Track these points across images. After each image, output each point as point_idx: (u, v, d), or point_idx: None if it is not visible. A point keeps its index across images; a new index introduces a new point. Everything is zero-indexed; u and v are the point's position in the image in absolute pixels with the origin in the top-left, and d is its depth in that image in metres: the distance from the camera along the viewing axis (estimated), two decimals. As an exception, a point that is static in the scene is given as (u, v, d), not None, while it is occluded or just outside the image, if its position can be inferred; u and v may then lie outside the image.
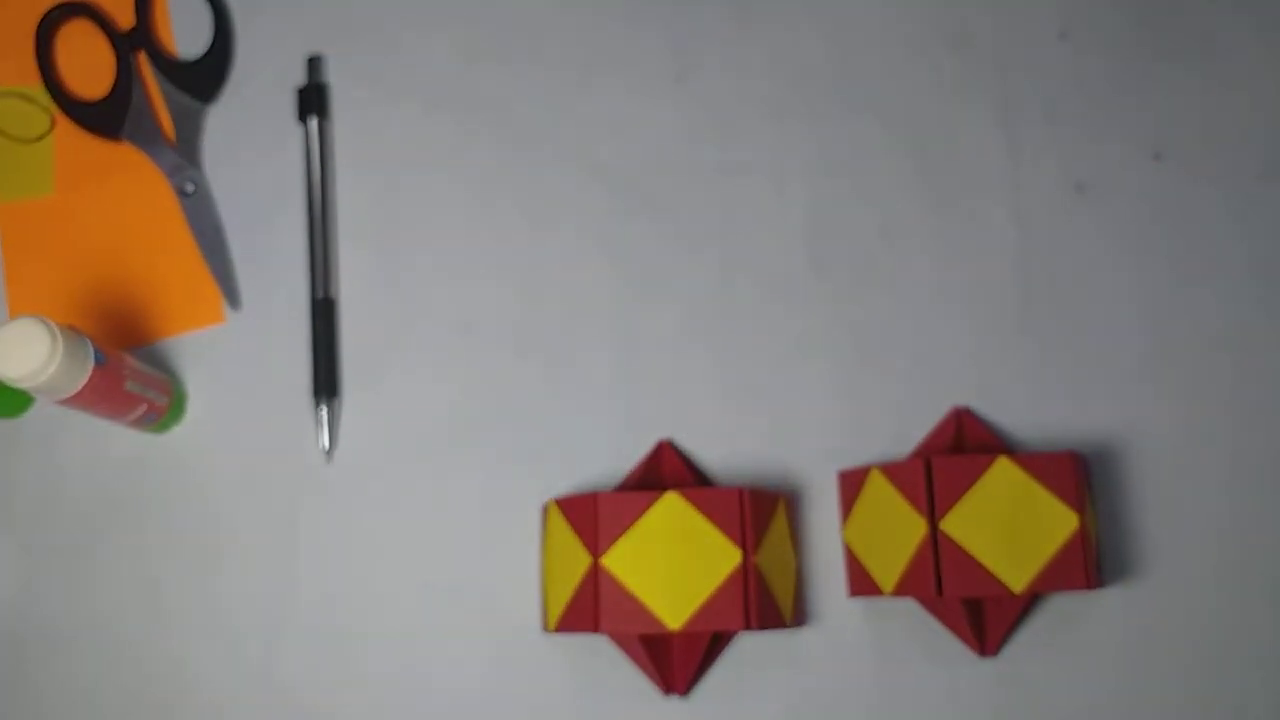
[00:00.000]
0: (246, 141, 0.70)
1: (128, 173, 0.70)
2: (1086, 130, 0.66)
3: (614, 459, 0.64)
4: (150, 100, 0.70)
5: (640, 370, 0.65)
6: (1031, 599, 0.60)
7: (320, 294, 0.66)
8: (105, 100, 0.70)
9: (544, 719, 0.61)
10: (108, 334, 0.68)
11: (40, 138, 0.71)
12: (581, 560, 0.57)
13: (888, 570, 0.57)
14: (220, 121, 0.70)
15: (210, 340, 0.67)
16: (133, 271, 0.69)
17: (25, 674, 0.64)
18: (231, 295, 0.67)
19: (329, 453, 0.65)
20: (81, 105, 0.70)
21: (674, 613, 0.55)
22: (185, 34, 0.72)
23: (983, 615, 0.59)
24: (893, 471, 0.58)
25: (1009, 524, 0.55)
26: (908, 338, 0.64)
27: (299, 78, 0.70)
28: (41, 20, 0.71)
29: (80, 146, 0.71)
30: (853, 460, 0.62)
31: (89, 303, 0.68)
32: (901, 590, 0.57)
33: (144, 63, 0.71)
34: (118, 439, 0.66)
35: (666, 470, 0.63)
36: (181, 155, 0.69)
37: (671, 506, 0.56)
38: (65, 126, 0.71)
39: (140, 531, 0.65)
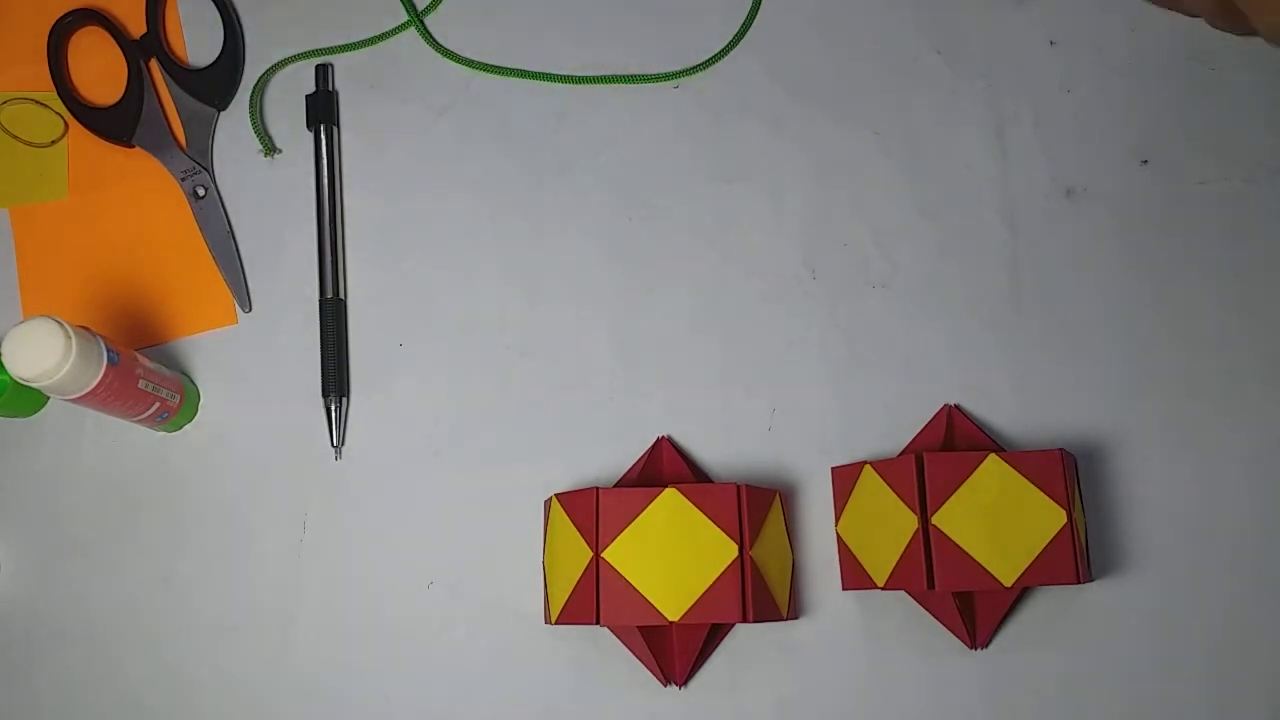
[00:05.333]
0: (256, 146, 0.70)
1: (140, 177, 0.70)
2: (1075, 136, 0.66)
3: (614, 456, 0.64)
4: (162, 106, 0.71)
5: (640, 370, 0.65)
6: (1021, 593, 0.60)
7: (330, 294, 0.67)
8: (117, 106, 0.71)
9: (546, 709, 0.61)
10: (121, 336, 0.68)
11: (54, 143, 0.71)
12: (583, 554, 0.57)
13: (880, 564, 0.58)
14: (231, 127, 0.71)
15: (222, 340, 0.68)
16: (145, 274, 0.69)
17: (41, 667, 0.64)
18: (241, 297, 0.68)
19: (338, 450, 0.65)
20: (94, 111, 0.71)
21: (673, 605, 0.55)
22: (196, 41, 0.72)
23: (973, 608, 0.59)
24: (885, 468, 0.58)
25: (999, 519, 0.55)
26: (900, 338, 0.64)
27: (308, 85, 0.70)
28: (53, 27, 0.71)
29: (93, 152, 0.71)
30: (846, 457, 0.63)
31: (102, 305, 0.69)
32: (894, 584, 0.57)
33: (155, 70, 0.71)
34: (133, 436, 0.66)
35: (666, 467, 0.63)
36: (193, 160, 0.70)
37: (670, 502, 0.57)
38: (78, 132, 0.71)
39: (154, 527, 0.65)
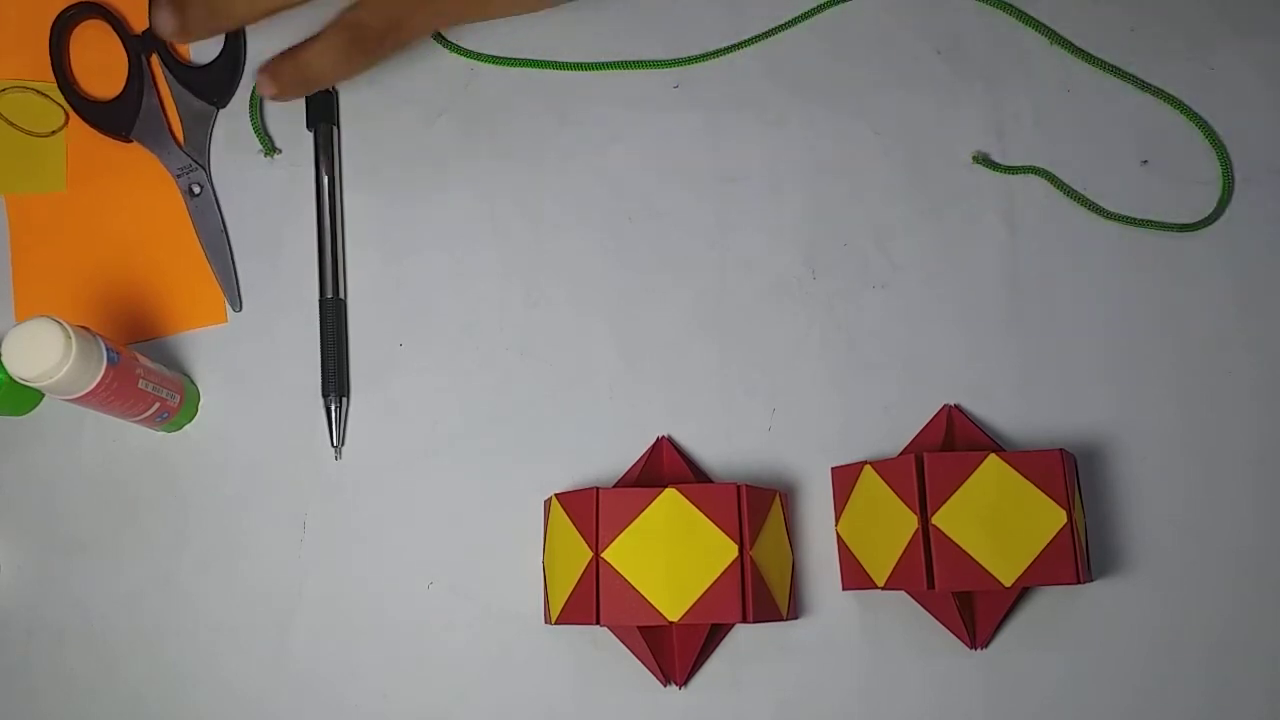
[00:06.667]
0: (256, 145, 0.70)
1: (136, 172, 0.70)
2: (1075, 136, 0.66)
3: (615, 456, 0.64)
4: (161, 102, 0.71)
5: (640, 369, 0.65)
6: (1021, 593, 0.60)
7: (330, 294, 0.67)
8: (116, 101, 0.70)
9: (546, 709, 0.61)
10: (111, 328, 0.68)
11: (53, 133, 0.71)
12: (583, 554, 0.57)
13: (880, 564, 0.58)
14: (231, 126, 0.71)
15: (222, 340, 0.67)
16: (138, 269, 0.69)
17: (41, 667, 0.64)
18: (232, 296, 0.68)
19: (338, 450, 0.65)
20: (93, 105, 0.71)
21: (673, 605, 0.56)
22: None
23: (973, 608, 0.59)
24: (885, 468, 0.58)
25: (999, 519, 0.56)
26: (900, 338, 0.64)
27: (308, 84, 0.70)
28: (56, 19, 0.71)
29: (92, 145, 0.71)
30: (846, 457, 0.63)
31: (94, 298, 0.69)
32: (894, 584, 0.57)
33: (156, 65, 0.71)
34: (133, 437, 0.66)
35: (666, 467, 0.63)
36: (189, 157, 0.70)
37: (671, 502, 0.57)
38: (77, 125, 0.71)
39: (154, 527, 0.65)
